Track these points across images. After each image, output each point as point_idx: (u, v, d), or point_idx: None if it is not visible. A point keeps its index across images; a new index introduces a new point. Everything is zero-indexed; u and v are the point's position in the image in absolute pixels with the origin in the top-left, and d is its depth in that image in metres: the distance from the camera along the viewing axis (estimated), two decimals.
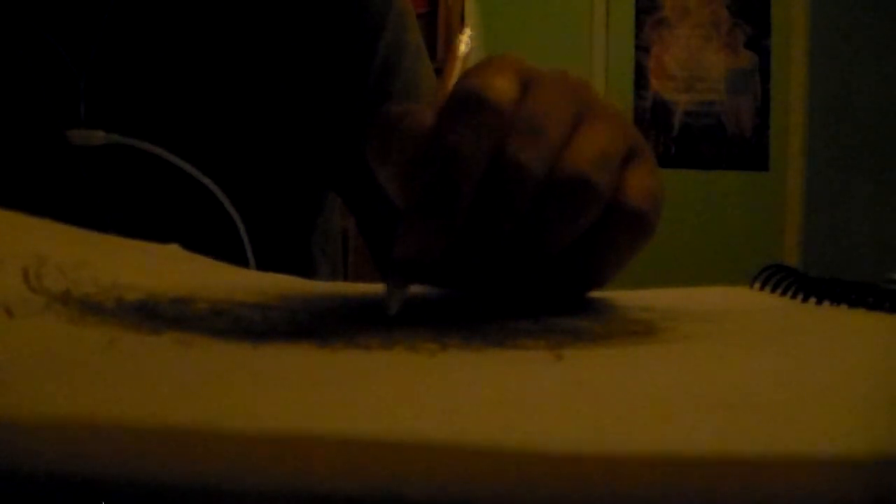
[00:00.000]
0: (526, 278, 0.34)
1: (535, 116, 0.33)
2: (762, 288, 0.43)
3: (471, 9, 3.31)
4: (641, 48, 3.68)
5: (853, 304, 0.37)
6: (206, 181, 0.63)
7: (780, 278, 0.42)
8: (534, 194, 0.32)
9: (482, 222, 0.32)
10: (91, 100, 0.64)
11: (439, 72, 3.05)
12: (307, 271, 0.72)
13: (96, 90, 0.64)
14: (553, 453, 0.16)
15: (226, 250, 0.48)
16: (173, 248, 0.44)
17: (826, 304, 0.38)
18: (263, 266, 0.65)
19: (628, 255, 0.36)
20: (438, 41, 3.12)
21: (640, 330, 0.31)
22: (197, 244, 0.44)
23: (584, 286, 0.36)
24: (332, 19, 0.68)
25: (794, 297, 0.40)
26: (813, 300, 0.39)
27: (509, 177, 0.32)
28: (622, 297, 0.39)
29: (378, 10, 0.69)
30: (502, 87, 0.33)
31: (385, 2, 0.70)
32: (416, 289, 0.43)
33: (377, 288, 0.42)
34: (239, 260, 0.62)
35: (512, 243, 0.33)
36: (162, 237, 0.44)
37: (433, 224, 0.32)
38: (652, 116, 3.65)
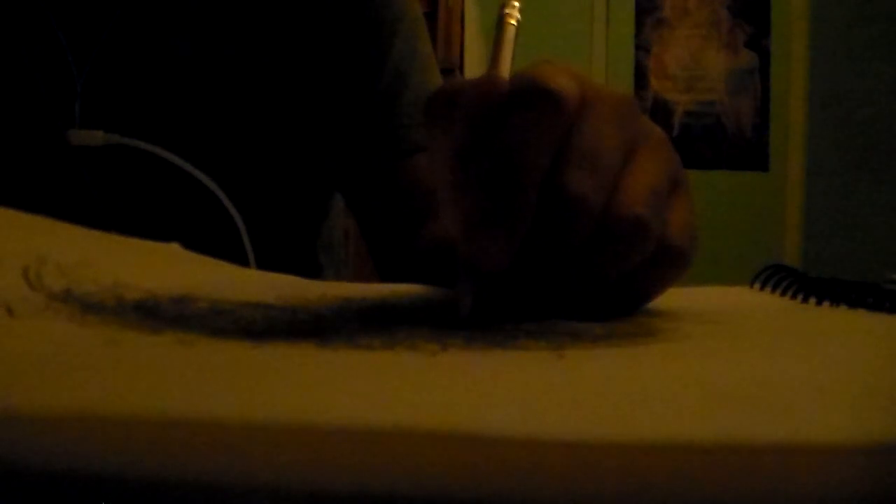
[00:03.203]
0: (567, 301, 0.34)
1: (592, 139, 0.33)
2: (762, 288, 0.43)
3: (471, 9, 3.31)
4: (641, 48, 3.68)
5: (853, 304, 0.37)
6: (207, 181, 0.63)
7: (780, 278, 0.42)
8: (591, 229, 0.32)
9: (537, 247, 0.32)
10: (89, 99, 0.63)
11: (442, 72, 3.03)
12: (311, 276, 0.72)
13: (95, 89, 0.64)
14: (557, 441, 0.16)
15: (226, 251, 0.48)
16: (174, 248, 0.44)
17: (826, 304, 0.38)
18: (272, 267, 0.65)
19: (665, 287, 0.36)
20: (438, 41, 3.12)
21: (641, 330, 0.31)
22: (197, 244, 0.44)
23: (617, 312, 0.36)
24: (343, 24, 0.68)
25: (794, 297, 0.40)
26: (813, 300, 0.39)
27: (568, 208, 0.32)
28: None
29: (391, 18, 0.69)
30: (567, 84, 0.33)
31: (398, 10, 0.70)
32: (416, 289, 0.43)
33: (378, 288, 0.42)
34: (239, 260, 0.62)
35: (562, 271, 0.33)
36: (162, 237, 0.44)
37: (500, 231, 0.32)
38: (652, 116, 3.64)
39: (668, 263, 0.35)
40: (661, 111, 3.66)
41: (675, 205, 0.35)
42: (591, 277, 0.33)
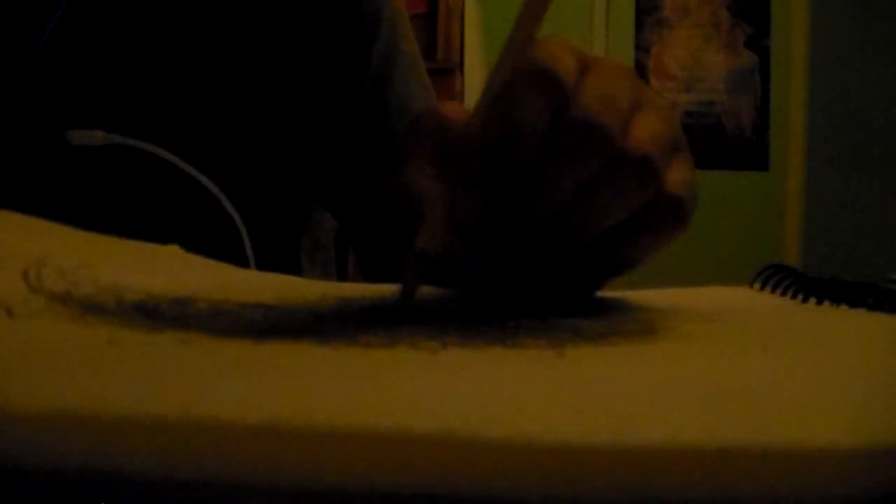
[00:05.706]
0: (555, 268, 0.35)
1: (601, 86, 0.34)
2: (762, 288, 0.43)
3: (471, 9, 3.31)
4: (641, 48, 3.68)
5: (853, 304, 0.37)
6: (206, 181, 0.63)
7: (780, 278, 0.42)
8: (608, 156, 0.33)
9: (544, 186, 0.33)
10: (86, 96, 0.63)
11: (442, 72, 3.03)
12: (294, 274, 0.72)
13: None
14: (557, 442, 0.16)
15: (226, 251, 0.48)
16: (173, 249, 0.44)
17: (826, 304, 0.38)
18: (260, 266, 0.65)
19: (662, 243, 0.36)
20: (438, 41, 3.11)
21: (641, 329, 0.31)
22: (197, 244, 0.44)
23: (610, 274, 0.36)
24: (324, 24, 0.68)
25: (794, 297, 0.40)
26: (813, 300, 0.39)
27: (582, 136, 0.33)
28: (623, 297, 0.39)
29: (370, 19, 0.69)
30: (567, 64, 0.33)
31: (377, 10, 0.69)
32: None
33: (378, 288, 0.42)
34: (239, 260, 0.62)
35: (562, 222, 0.34)
36: (162, 237, 0.44)
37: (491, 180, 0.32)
38: None
39: (666, 215, 0.35)
40: None
41: (675, 163, 0.36)
42: (595, 222, 0.34)
